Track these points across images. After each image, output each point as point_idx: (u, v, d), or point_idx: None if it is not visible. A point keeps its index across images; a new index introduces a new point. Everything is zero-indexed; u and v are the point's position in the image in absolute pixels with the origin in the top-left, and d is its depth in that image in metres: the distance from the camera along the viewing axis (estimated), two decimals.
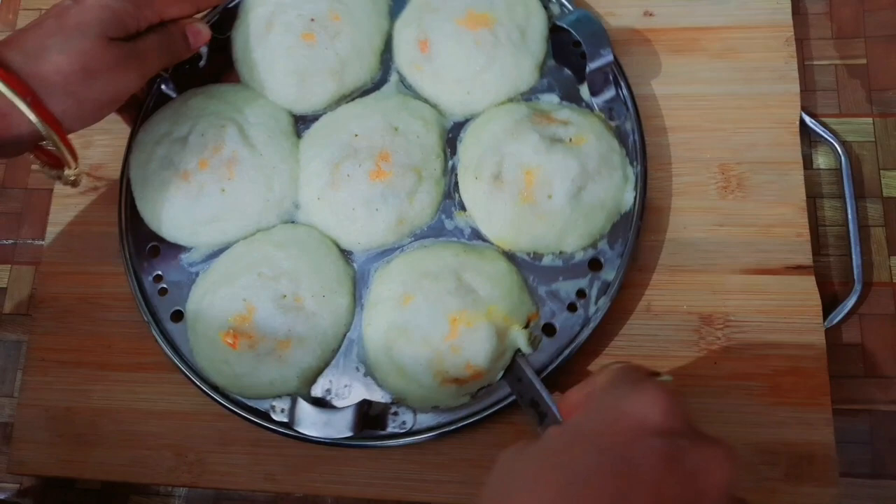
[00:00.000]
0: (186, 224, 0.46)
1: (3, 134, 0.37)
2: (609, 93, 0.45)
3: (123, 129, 0.50)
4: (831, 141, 0.47)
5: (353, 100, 0.48)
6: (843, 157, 0.47)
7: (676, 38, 0.49)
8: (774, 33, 0.48)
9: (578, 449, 0.28)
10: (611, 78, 0.45)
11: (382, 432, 0.42)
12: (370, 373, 0.43)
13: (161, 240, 0.47)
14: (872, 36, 0.50)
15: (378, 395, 0.43)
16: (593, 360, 0.44)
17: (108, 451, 0.47)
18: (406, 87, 0.48)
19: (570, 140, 0.43)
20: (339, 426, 0.41)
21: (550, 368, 0.42)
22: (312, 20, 0.47)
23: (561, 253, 0.43)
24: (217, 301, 0.43)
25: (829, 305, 0.44)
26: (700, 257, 0.45)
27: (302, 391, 0.43)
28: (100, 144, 0.53)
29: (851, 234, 0.45)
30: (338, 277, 0.44)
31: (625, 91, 0.46)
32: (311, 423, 0.41)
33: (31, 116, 0.37)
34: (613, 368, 0.32)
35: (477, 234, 0.45)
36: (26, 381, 0.49)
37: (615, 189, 0.43)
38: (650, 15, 0.50)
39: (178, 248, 0.47)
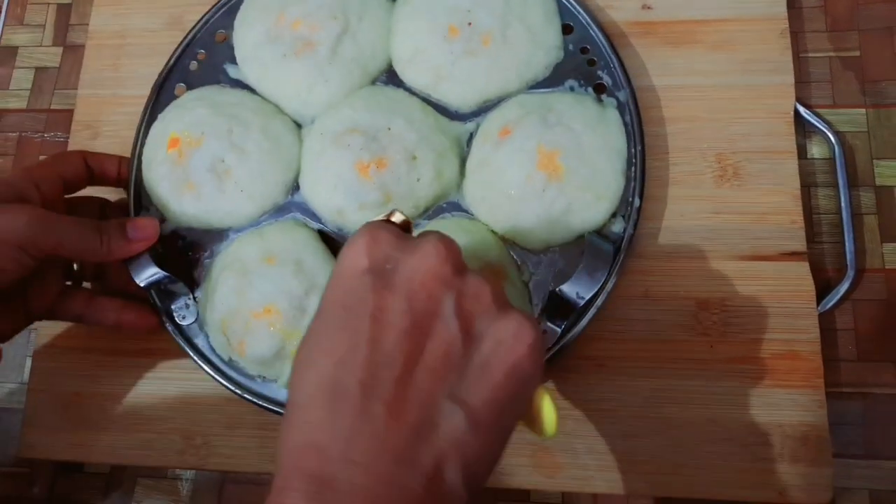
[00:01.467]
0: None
1: None
2: (557, 325, 0.42)
3: (132, 120, 0.51)
4: (825, 131, 0.48)
5: None
6: (836, 147, 0.47)
7: (674, 30, 0.50)
8: (770, 26, 0.49)
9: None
10: (566, 314, 0.42)
11: None
12: None
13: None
14: (866, 29, 0.51)
15: None
16: (594, 343, 0.45)
17: (116, 436, 0.48)
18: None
19: None
20: None
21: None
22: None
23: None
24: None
25: (822, 291, 0.45)
26: (697, 244, 0.46)
27: None
28: (107, 135, 0.54)
29: (844, 222, 0.46)
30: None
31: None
32: None
33: None
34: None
35: None
36: (36, 367, 0.50)
37: None
38: (648, 8, 0.51)
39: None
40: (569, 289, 0.42)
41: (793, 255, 0.45)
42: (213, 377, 0.45)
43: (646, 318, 0.45)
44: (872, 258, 0.47)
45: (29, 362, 0.52)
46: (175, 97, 0.51)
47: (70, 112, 0.56)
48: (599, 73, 0.48)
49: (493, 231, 0.46)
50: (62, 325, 0.50)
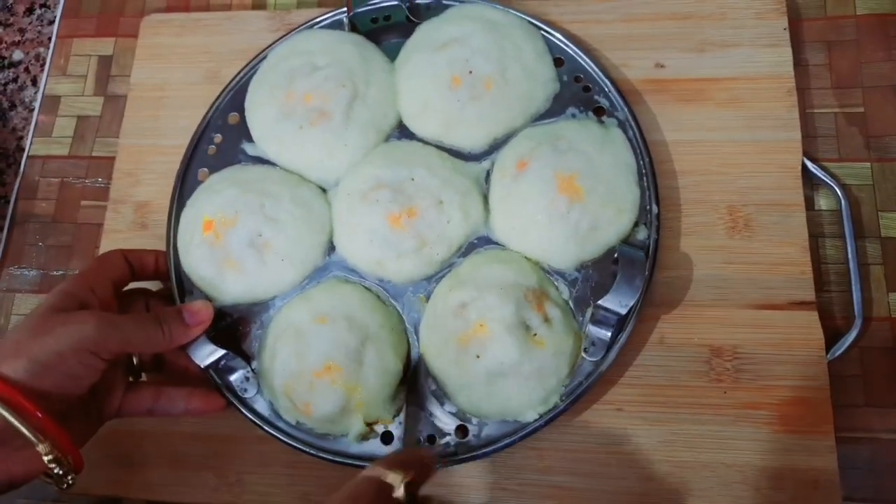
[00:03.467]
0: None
1: None
2: (604, 332, 0.45)
3: (170, 169, 0.54)
4: (832, 184, 0.50)
5: None
6: (843, 200, 0.50)
7: (686, 88, 0.53)
8: (777, 84, 0.52)
9: None
10: (612, 323, 0.45)
11: None
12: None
13: None
14: (869, 86, 0.53)
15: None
16: (613, 388, 0.47)
17: (153, 472, 0.50)
18: None
19: (535, 336, 0.44)
20: None
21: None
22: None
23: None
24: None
25: (831, 339, 0.47)
26: (710, 293, 0.48)
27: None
28: (147, 182, 0.57)
29: (852, 272, 0.48)
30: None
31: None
32: None
33: None
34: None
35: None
36: None
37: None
38: (661, 67, 0.53)
39: None
40: (611, 300, 0.45)
41: (802, 305, 0.47)
42: (286, 443, 0.47)
43: (662, 365, 0.47)
44: (879, 307, 0.49)
45: None
46: (199, 182, 0.53)
47: (110, 159, 0.59)
48: (596, 97, 0.51)
49: (526, 258, 0.48)
50: None
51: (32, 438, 0.38)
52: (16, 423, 0.37)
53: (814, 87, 0.54)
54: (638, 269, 0.45)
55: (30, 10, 0.68)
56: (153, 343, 0.44)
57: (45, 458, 0.38)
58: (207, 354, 0.46)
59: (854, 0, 0.55)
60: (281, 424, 0.48)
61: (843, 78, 0.54)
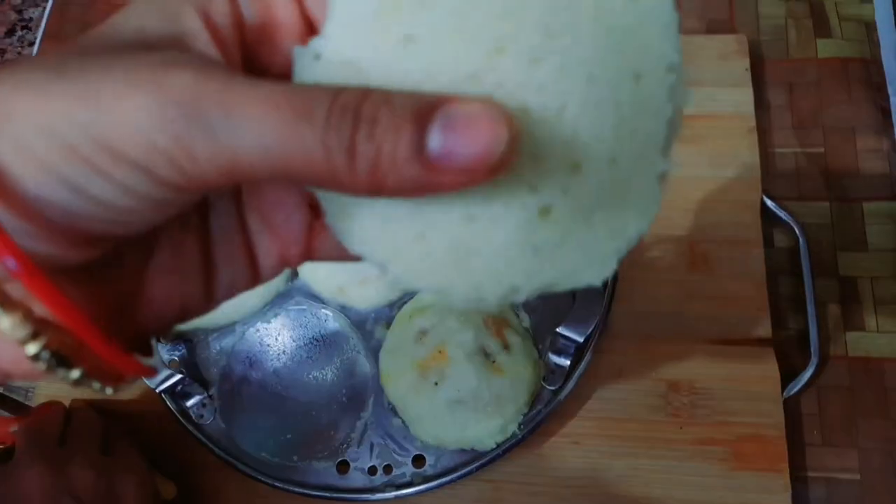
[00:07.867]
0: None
1: None
2: (563, 360, 0.46)
3: None
4: (790, 222, 0.51)
5: None
6: (801, 238, 0.50)
7: None
8: (739, 123, 0.53)
9: None
10: (571, 352, 0.45)
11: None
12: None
13: None
14: (829, 126, 0.54)
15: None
16: (570, 421, 0.47)
17: None
18: None
19: (494, 363, 0.45)
20: None
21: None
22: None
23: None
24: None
25: (787, 376, 0.47)
26: (668, 327, 0.49)
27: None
28: None
29: (809, 310, 0.49)
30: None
31: None
32: None
33: None
34: None
35: None
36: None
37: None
38: None
39: None
40: (569, 328, 0.45)
41: (759, 342, 0.48)
42: (242, 472, 0.46)
43: (619, 398, 0.47)
44: (836, 346, 0.49)
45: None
46: None
47: None
48: None
49: None
50: None
51: None
52: None
53: (775, 127, 0.55)
54: (596, 297, 0.46)
55: (10, 32, 0.69)
56: (310, 165, 0.16)
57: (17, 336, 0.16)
58: (163, 378, 0.46)
59: (816, 43, 0.57)
60: (236, 452, 0.47)
61: (805, 118, 0.55)
